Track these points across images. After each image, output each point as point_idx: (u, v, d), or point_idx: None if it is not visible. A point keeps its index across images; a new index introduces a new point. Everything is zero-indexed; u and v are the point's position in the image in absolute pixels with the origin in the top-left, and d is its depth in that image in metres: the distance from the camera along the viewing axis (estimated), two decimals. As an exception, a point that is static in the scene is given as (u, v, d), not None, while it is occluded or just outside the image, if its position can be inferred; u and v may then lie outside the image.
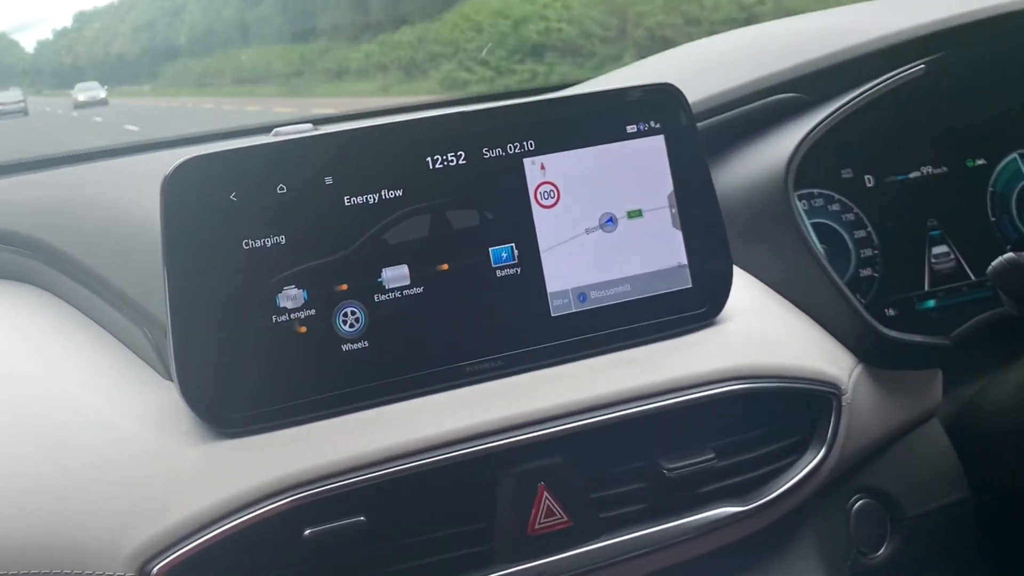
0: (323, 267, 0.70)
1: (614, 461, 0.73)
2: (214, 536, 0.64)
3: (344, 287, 0.71)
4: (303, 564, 0.66)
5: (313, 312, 0.70)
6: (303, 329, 0.70)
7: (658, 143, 0.78)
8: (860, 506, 0.89)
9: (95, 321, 0.83)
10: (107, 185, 0.94)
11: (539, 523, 0.70)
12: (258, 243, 0.69)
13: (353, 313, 0.71)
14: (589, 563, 0.71)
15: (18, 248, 0.90)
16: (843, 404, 0.80)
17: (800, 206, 0.91)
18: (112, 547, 0.63)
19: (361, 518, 0.66)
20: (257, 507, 0.64)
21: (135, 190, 0.91)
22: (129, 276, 0.81)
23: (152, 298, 0.77)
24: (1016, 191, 1.05)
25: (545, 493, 0.70)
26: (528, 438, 0.70)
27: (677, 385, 0.74)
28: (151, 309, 0.77)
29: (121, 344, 0.80)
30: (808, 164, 0.88)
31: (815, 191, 0.99)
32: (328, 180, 0.71)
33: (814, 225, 0.93)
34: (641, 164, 0.78)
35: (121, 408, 0.71)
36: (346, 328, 0.71)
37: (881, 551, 0.90)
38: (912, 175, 1.04)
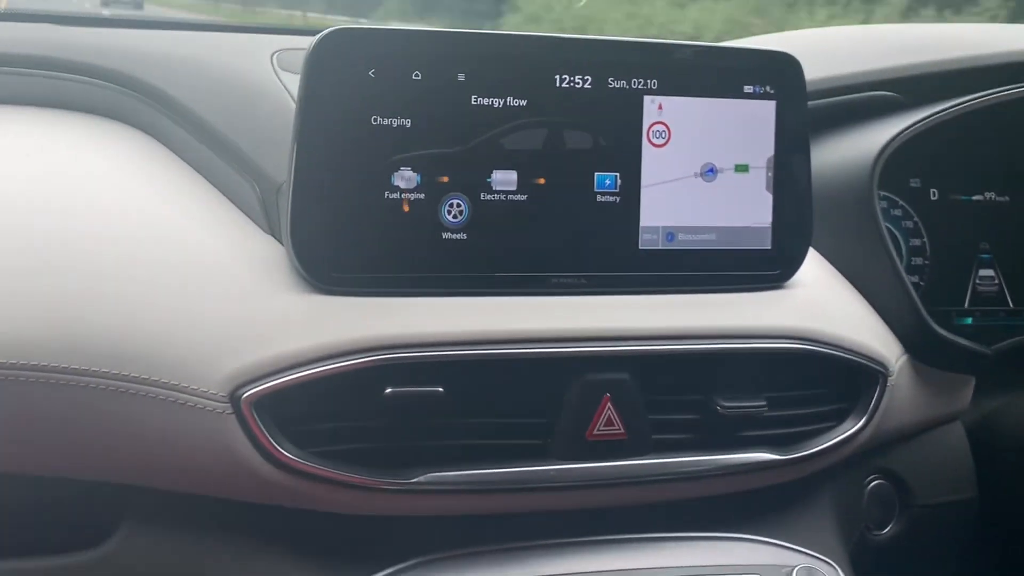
0: (439, 156, 0.74)
1: (674, 390, 0.78)
2: (303, 376, 0.68)
3: (454, 180, 0.75)
4: (379, 419, 0.71)
5: (422, 196, 0.74)
6: (410, 210, 0.74)
7: (769, 107, 0.82)
8: (875, 485, 0.95)
9: (199, 170, 0.87)
10: (219, 52, 0.97)
11: (597, 430, 0.75)
12: (386, 122, 0.73)
13: (458, 205, 0.75)
14: (633, 476, 0.76)
15: (133, 91, 0.94)
16: (888, 384, 0.84)
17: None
18: (209, 368, 0.68)
19: (439, 389, 0.71)
20: (348, 358, 0.69)
21: (244, 60, 0.94)
22: (240, 133, 0.84)
23: (262, 155, 0.81)
24: None
25: (608, 404, 0.75)
26: (602, 351, 0.74)
27: (744, 332, 0.78)
28: (261, 165, 0.81)
29: (223, 195, 0.84)
30: (885, 166, 0.92)
31: (881, 193, 1.03)
32: (461, 77, 0.74)
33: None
34: (750, 124, 0.82)
35: (228, 248, 0.76)
36: (449, 218, 0.75)
37: (886, 530, 0.95)
38: (975, 197, 1.08)
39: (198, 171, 0.86)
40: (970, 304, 1.06)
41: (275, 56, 0.94)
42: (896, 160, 0.93)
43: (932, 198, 1.07)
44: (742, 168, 0.82)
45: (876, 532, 0.95)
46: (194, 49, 0.98)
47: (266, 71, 0.91)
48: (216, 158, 0.85)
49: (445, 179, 0.75)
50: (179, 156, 0.88)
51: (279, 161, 0.74)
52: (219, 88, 0.90)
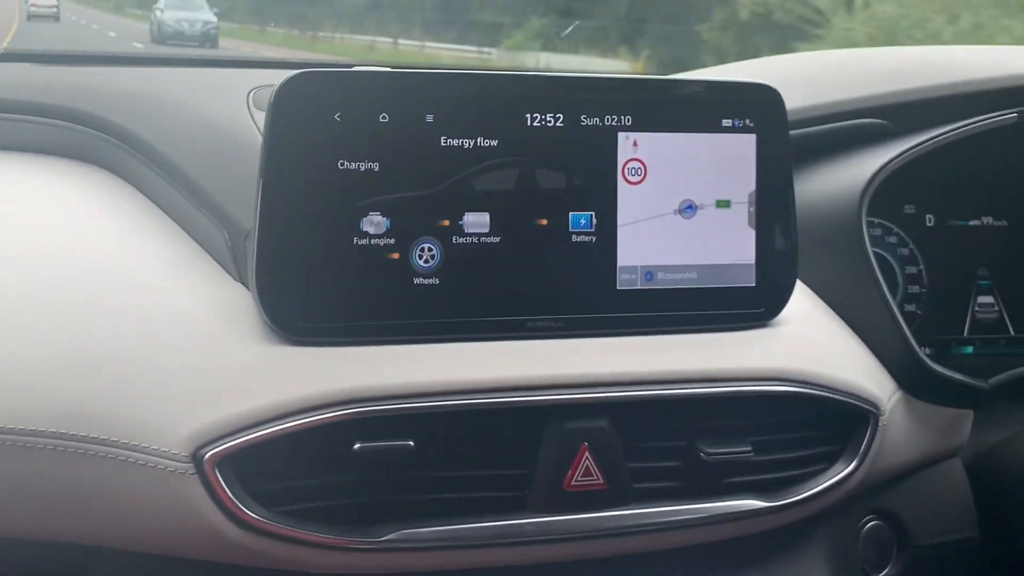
0: (410, 200, 0.72)
1: (656, 436, 0.75)
2: (268, 433, 0.66)
3: (425, 223, 0.73)
4: (348, 476, 0.69)
5: (392, 241, 0.72)
6: (380, 256, 0.72)
7: (749, 141, 0.80)
8: (871, 527, 0.92)
9: (168, 214, 0.85)
10: (190, 90, 0.96)
11: (576, 480, 0.72)
12: (353, 166, 0.71)
13: (430, 250, 0.73)
14: (614, 527, 0.73)
15: (100, 132, 0.92)
16: (880, 424, 0.82)
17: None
18: (170, 427, 0.66)
19: (410, 443, 0.68)
20: (314, 414, 0.67)
21: (217, 99, 0.93)
22: (209, 176, 0.83)
23: (231, 200, 0.80)
24: None
25: (586, 453, 0.72)
26: (578, 398, 0.72)
27: (727, 375, 0.76)
28: (229, 210, 0.79)
29: (192, 240, 0.82)
30: (875, 193, 0.90)
31: (875, 220, 1.01)
32: (429, 118, 0.73)
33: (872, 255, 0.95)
34: (729, 158, 0.80)
35: (193, 298, 0.74)
36: (421, 263, 0.73)
37: (883, 573, 0.92)
38: (972, 222, 1.06)
39: (168, 215, 0.85)
40: (969, 332, 1.04)
41: (251, 94, 0.93)
42: (889, 186, 0.91)
43: (928, 224, 1.05)
44: (723, 204, 0.80)
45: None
46: (166, 87, 0.96)
47: (240, 110, 0.90)
48: (186, 202, 0.83)
49: (415, 223, 0.73)
50: (148, 199, 0.87)
51: (249, 206, 0.72)
52: (190, 128, 0.89)
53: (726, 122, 0.80)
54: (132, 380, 0.67)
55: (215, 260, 0.79)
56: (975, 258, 1.05)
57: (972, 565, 0.97)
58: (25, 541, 0.70)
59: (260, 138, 0.71)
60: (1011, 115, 0.94)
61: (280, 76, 0.71)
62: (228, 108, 0.90)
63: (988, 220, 1.07)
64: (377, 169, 0.72)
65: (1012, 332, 1.05)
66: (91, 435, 0.66)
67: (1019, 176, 1.04)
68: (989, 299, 1.05)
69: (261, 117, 0.85)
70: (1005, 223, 1.07)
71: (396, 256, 0.72)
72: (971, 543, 0.96)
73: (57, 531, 0.69)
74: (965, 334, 1.04)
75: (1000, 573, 0.97)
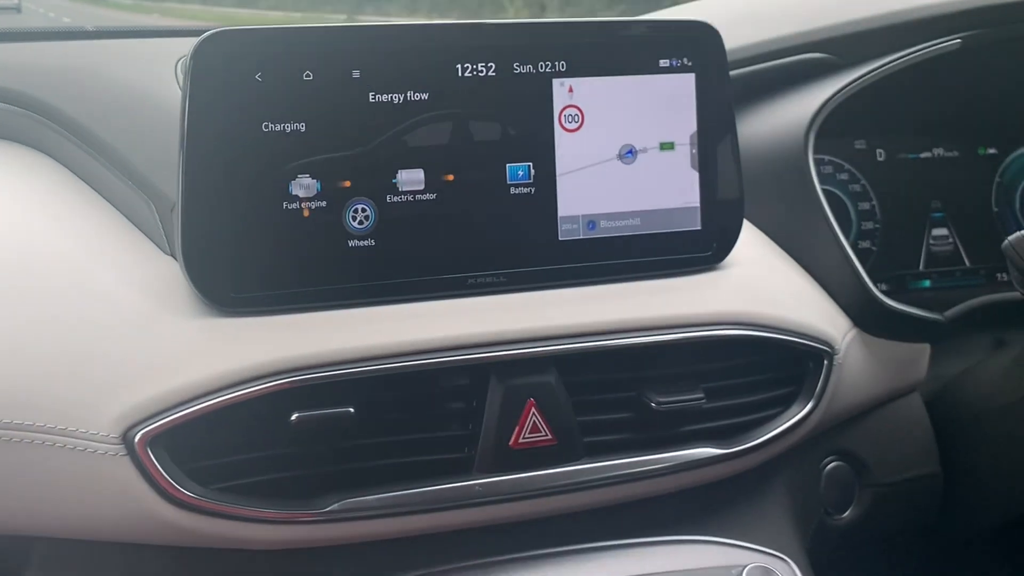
0: (339, 160, 0.70)
1: (604, 388, 0.74)
2: (200, 409, 0.64)
3: (358, 183, 0.70)
4: (287, 448, 0.67)
5: (324, 204, 0.70)
6: (312, 219, 0.70)
7: (688, 81, 0.78)
8: (832, 468, 0.91)
9: (95, 189, 0.82)
10: (118, 62, 0.93)
11: (523, 438, 0.71)
12: (278, 127, 0.69)
13: (364, 210, 0.71)
14: (566, 483, 0.72)
15: (24, 109, 0.89)
16: (835, 363, 0.80)
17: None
18: (97, 408, 0.64)
19: (350, 409, 0.66)
20: (247, 385, 0.65)
21: (145, 70, 0.90)
22: (137, 149, 0.81)
23: (159, 172, 0.77)
24: (1022, 185, 1.06)
25: (533, 409, 0.71)
26: (521, 353, 0.70)
27: (675, 322, 0.74)
28: (157, 182, 0.77)
29: (120, 215, 0.79)
30: (824, 130, 0.89)
31: (826, 157, 1.00)
32: (356, 74, 0.70)
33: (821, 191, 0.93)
34: (668, 100, 0.78)
35: (118, 275, 0.71)
36: (355, 224, 0.71)
37: (845, 514, 0.92)
38: (923, 155, 1.05)
39: (95, 190, 0.82)
40: (925, 266, 1.03)
41: (179, 63, 0.90)
42: (838, 122, 0.89)
43: (879, 159, 1.03)
44: (667, 146, 0.78)
45: (836, 517, 0.91)
46: (89, 60, 0.93)
47: (167, 81, 0.87)
48: (113, 176, 0.81)
49: (347, 184, 0.71)
50: (74, 175, 0.84)
51: (175, 177, 0.69)
52: (116, 101, 0.86)
53: (664, 62, 0.77)
54: (56, 362, 0.65)
55: (144, 234, 0.77)
56: (928, 191, 1.04)
57: (935, 500, 0.96)
58: None
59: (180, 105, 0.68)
60: (955, 40, 0.93)
61: None
62: (155, 79, 0.88)
63: (939, 152, 1.06)
64: (304, 130, 0.69)
65: (967, 263, 1.04)
66: (15, 421, 0.63)
67: (966, 104, 1.03)
68: (943, 231, 1.04)
69: None
70: (956, 153, 1.06)
71: (328, 219, 0.70)
72: (933, 479, 0.95)
73: None
74: (920, 268, 1.03)
75: (960, 507, 0.97)
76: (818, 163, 0.93)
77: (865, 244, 1.01)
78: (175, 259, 0.73)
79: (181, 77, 0.87)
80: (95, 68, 0.91)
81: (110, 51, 1.00)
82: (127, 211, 0.79)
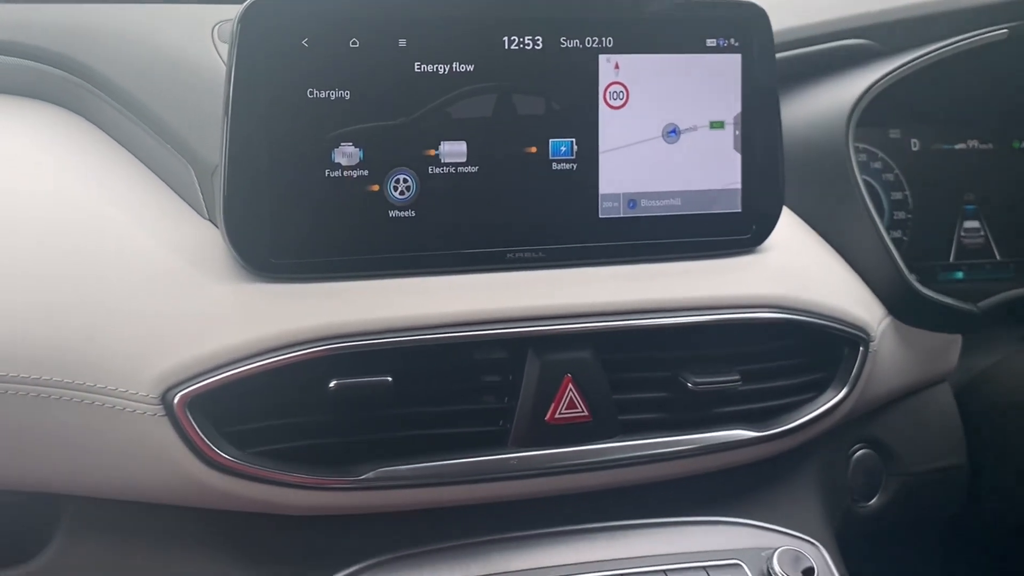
0: (383, 130, 0.70)
1: (641, 367, 0.74)
2: (240, 373, 0.64)
3: (400, 153, 0.70)
4: (324, 414, 0.67)
5: (366, 173, 0.70)
6: (353, 188, 0.69)
7: (734, 61, 0.77)
8: (861, 455, 0.91)
9: (133, 152, 0.82)
10: (155, 26, 0.93)
11: (559, 413, 0.71)
12: (323, 94, 0.69)
13: (405, 181, 0.71)
14: (600, 460, 0.72)
15: (62, 70, 0.89)
16: (870, 350, 0.80)
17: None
18: (137, 369, 0.64)
19: (387, 378, 0.66)
20: (287, 351, 0.65)
21: (182, 34, 0.90)
22: (175, 112, 0.80)
23: (197, 136, 0.77)
24: None
25: (570, 385, 0.71)
26: (560, 329, 0.70)
27: (713, 303, 0.74)
28: (196, 146, 0.76)
29: (158, 178, 0.79)
30: (860, 118, 0.88)
31: (860, 145, 0.99)
32: (402, 43, 0.70)
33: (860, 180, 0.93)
34: (714, 80, 0.77)
35: (158, 238, 0.71)
36: (396, 195, 0.70)
37: (872, 501, 0.92)
38: (958, 146, 1.04)
39: (132, 153, 0.82)
40: (955, 258, 1.03)
41: (216, 28, 0.90)
42: (874, 110, 0.89)
43: (913, 149, 1.03)
44: (717, 125, 0.78)
45: (862, 504, 0.92)
46: (128, 23, 0.93)
47: (205, 45, 0.87)
48: (151, 139, 0.80)
49: (389, 153, 0.70)
50: (113, 139, 0.84)
51: (216, 141, 0.69)
52: (154, 65, 0.86)
53: (710, 42, 0.77)
54: (97, 322, 0.65)
55: (183, 198, 0.77)
56: (961, 183, 1.03)
57: (961, 491, 0.96)
58: None
59: (225, 70, 0.68)
60: (1001, 31, 0.92)
61: None
62: (193, 43, 0.87)
63: (974, 144, 1.05)
64: (348, 97, 0.69)
65: (998, 256, 1.04)
66: (55, 379, 0.63)
67: (1007, 96, 1.02)
68: (975, 224, 1.03)
69: (226, 50, 0.82)
70: (991, 146, 1.05)
71: (370, 188, 0.70)
72: (960, 470, 0.95)
73: (22, 478, 0.66)
74: (951, 259, 1.02)
75: (987, 498, 0.97)
76: (854, 151, 0.93)
77: (897, 234, 1.00)
78: (214, 223, 0.73)
79: (218, 42, 0.87)
80: (132, 31, 0.91)
81: (146, 14, 0.99)
82: (165, 175, 0.79)
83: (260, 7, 0.67)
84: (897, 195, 1.01)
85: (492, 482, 0.70)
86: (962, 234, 1.03)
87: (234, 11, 0.93)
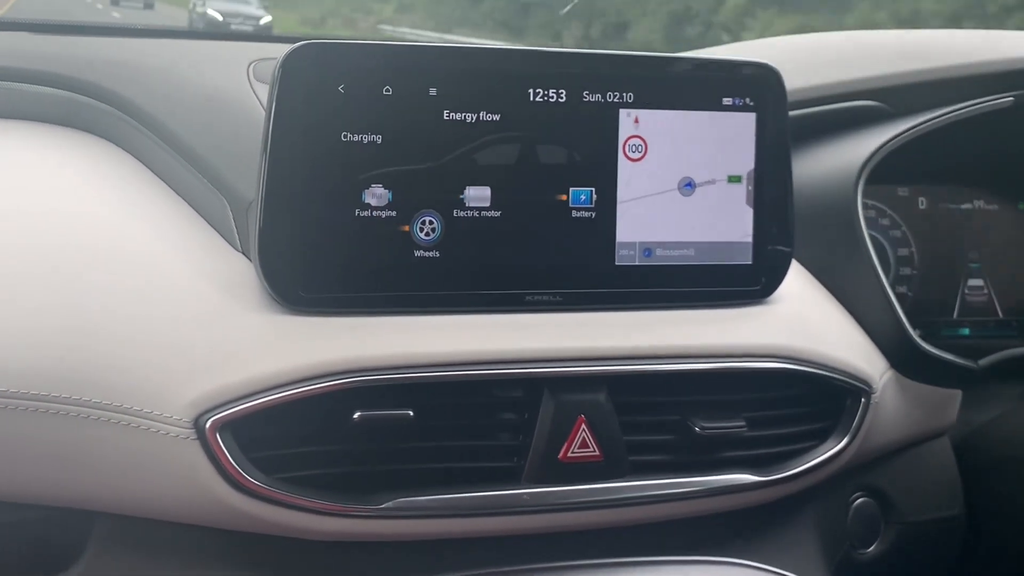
0: (411, 173, 0.73)
1: (651, 410, 0.76)
2: (269, 401, 0.67)
3: (427, 196, 0.73)
4: (348, 443, 0.69)
5: (394, 214, 0.72)
6: (381, 228, 0.72)
7: (749, 120, 0.81)
8: (860, 503, 0.93)
9: (168, 184, 0.85)
10: (192, 61, 0.96)
11: (572, 452, 0.73)
12: (356, 138, 0.72)
13: (431, 223, 0.73)
14: (609, 498, 0.74)
15: (100, 101, 0.92)
16: (872, 402, 0.83)
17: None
18: (172, 393, 0.67)
19: (409, 412, 0.69)
20: (315, 382, 0.67)
21: (219, 70, 0.93)
22: (211, 146, 0.83)
23: (232, 170, 0.80)
24: None
25: (583, 425, 0.73)
26: (575, 371, 0.73)
27: (722, 352, 0.77)
28: (231, 180, 0.79)
29: (192, 210, 0.82)
30: (869, 175, 0.91)
31: (869, 202, 1.02)
32: (432, 91, 0.73)
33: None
34: (729, 137, 0.80)
35: (193, 268, 0.74)
36: (422, 235, 0.73)
37: (870, 549, 0.94)
38: (964, 206, 1.07)
39: (169, 185, 0.85)
40: (959, 314, 1.05)
41: (252, 67, 0.93)
42: (884, 169, 0.92)
43: (920, 207, 1.06)
44: (735, 179, 0.81)
45: (860, 551, 0.94)
46: (167, 58, 0.96)
47: (241, 82, 0.90)
48: (187, 172, 0.83)
49: (417, 196, 0.73)
50: (149, 169, 0.87)
51: (251, 177, 0.72)
52: (192, 99, 0.89)
53: (727, 100, 0.80)
54: (134, 346, 0.68)
55: (216, 230, 0.80)
56: (966, 241, 1.06)
57: (957, 542, 0.98)
58: (24, 504, 0.70)
59: (261, 110, 0.71)
60: (1007, 99, 0.95)
61: (279, 50, 0.72)
62: (229, 80, 0.90)
63: (979, 204, 1.08)
64: (380, 142, 0.72)
65: (1000, 315, 1.06)
66: (93, 400, 0.66)
67: (1011, 159, 1.05)
68: (979, 282, 1.06)
69: (262, 89, 0.86)
70: (996, 207, 1.08)
71: (398, 228, 0.73)
72: (957, 521, 0.98)
73: (56, 494, 0.69)
74: (955, 316, 1.05)
75: (984, 550, 0.99)
76: (862, 207, 0.96)
77: (902, 289, 1.03)
78: (247, 256, 0.76)
79: (254, 80, 0.91)
80: (169, 65, 0.94)
81: (182, 50, 1.03)
82: (199, 207, 0.82)
83: (301, 54, 0.70)
84: (904, 251, 1.04)
85: (505, 516, 0.73)
86: (966, 291, 1.05)
87: (269, 49, 0.98)
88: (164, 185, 0.85)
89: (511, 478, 0.73)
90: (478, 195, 0.74)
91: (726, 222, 0.81)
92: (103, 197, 0.81)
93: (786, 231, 0.82)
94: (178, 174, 0.84)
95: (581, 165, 0.77)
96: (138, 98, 0.90)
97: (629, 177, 0.78)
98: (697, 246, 0.80)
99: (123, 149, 0.90)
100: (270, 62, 0.74)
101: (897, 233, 1.04)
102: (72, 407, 0.66)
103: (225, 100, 0.88)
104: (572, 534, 0.77)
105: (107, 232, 0.76)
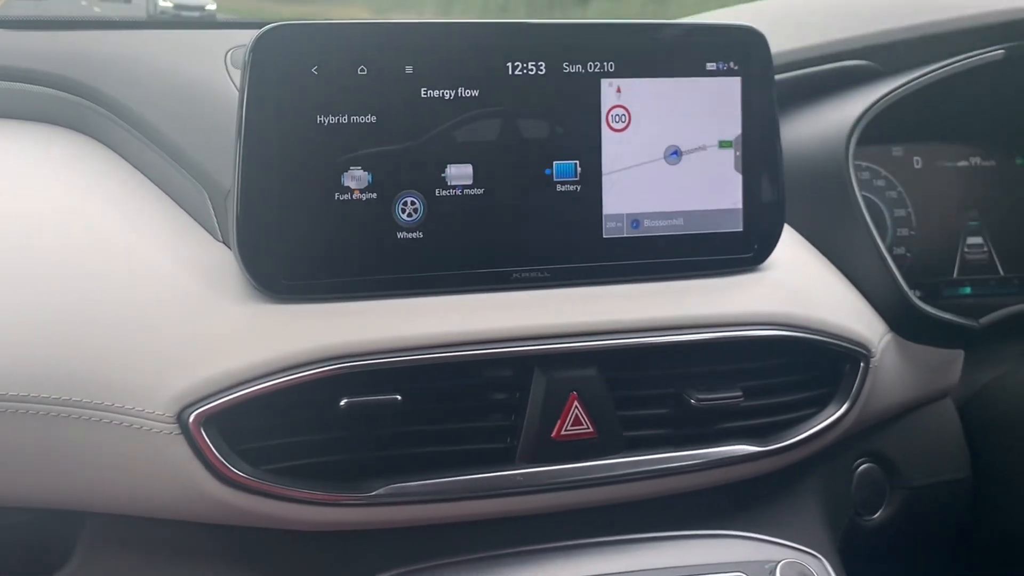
0: (391, 154, 0.72)
1: (645, 384, 0.75)
2: (253, 392, 0.66)
3: (408, 176, 0.72)
4: (335, 431, 0.68)
5: (375, 196, 0.71)
6: (362, 210, 0.71)
7: (734, 84, 0.79)
8: (864, 469, 0.92)
9: (145, 175, 0.84)
10: (167, 51, 0.95)
11: (565, 430, 0.72)
12: (332, 120, 0.70)
13: (413, 203, 0.72)
14: (605, 475, 0.73)
15: (73, 95, 0.91)
16: (871, 366, 0.82)
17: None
18: (153, 388, 0.66)
19: (397, 396, 0.68)
20: (299, 371, 0.66)
21: (194, 59, 0.92)
22: (187, 136, 0.82)
23: (210, 159, 0.79)
24: None
25: (575, 402, 0.72)
26: (566, 348, 0.72)
27: (715, 321, 0.76)
28: (208, 169, 0.78)
29: (171, 200, 0.81)
30: (863, 136, 0.89)
31: (863, 163, 1.00)
32: (408, 69, 0.72)
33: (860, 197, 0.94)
34: (714, 103, 0.79)
35: (171, 259, 0.73)
36: (404, 216, 0.72)
37: (876, 515, 0.93)
38: (960, 163, 1.06)
39: (147, 177, 0.84)
40: (959, 274, 1.04)
41: (229, 54, 0.92)
42: (877, 129, 0.90)
43: (916, 166, 1.04)
44: (726, 144, 0.79)
45: (866, 517, 0.93)
46: (143, 50, 0.95)
47: (219, 70, 0.89)
48: (166, 163, 0.82)
49: (397, 176, 0.72)
50: (127, 162, 0.85)
51: (229, 165, 0.71)
52: (168, 90, 0.88)
53: (710, 66, 0.79)
54: (114, 342, 0.67)
55: (196, 221, 0.78)
56: (964, 199, 1.05)
57: (964, 505, 0.97)
58: (10, 507, 0.69)
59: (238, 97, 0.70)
60: (998, 51, 0.93)
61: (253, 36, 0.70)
62: (206, 69, 0.89)
63: (976, 160, 1.06)
64: (357, 123, 0.71)
65: (1001, 272, 1.05)
66: (74, 398, 0.65)
67: (1007, 114, 1.04)
68: (978, 240, 1.04)
69: (239, 76, 0.84)
70: (993, 163, 1.07)
71: (378, 211, 0.71)
72: (963, 483, 0.96)
73: (43, 496, 0.68)
74: (955, 275, 1.03)
75: (991, 512, 0.98)
76: (856, 169, 0.94)
77: (900, 250, 1.01)
78: (226, 245, 0.75)
79: (231, 67, 0.89)
80: (144, 56, 0.93)
81: (158, 40, 1.01)
82: (177, 197, 0.81)
83: (272, 36, 0.69)
84: (900, 212, 1.02)
85: (500, 497, 0.72)
86: (965, 250, 1.04)
87: (246, 37, 0.96)
88: (143, 177, 0.84)
89: (504, 459, 0.72)
90: (460, 173, 0.73)
91: (715, 189, 0.79)
92: (79, 190, 0.80)
93: (777, 196, 0.81)
94: (157, 165, 0.83)
95: (564, 138, 0.75)
96: (115, 91, 0.89)
97: (613, 148, 0.76)
98: (686, 215, 0.79)
99: (101, 143, 0.89)
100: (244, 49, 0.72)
101: (893, 194, 1.02)
102: (53, 407, 0.65)
103: (202, 89, 0.87)
104: (568, 513, 0.76)
105: (85, 228, 0.75)
